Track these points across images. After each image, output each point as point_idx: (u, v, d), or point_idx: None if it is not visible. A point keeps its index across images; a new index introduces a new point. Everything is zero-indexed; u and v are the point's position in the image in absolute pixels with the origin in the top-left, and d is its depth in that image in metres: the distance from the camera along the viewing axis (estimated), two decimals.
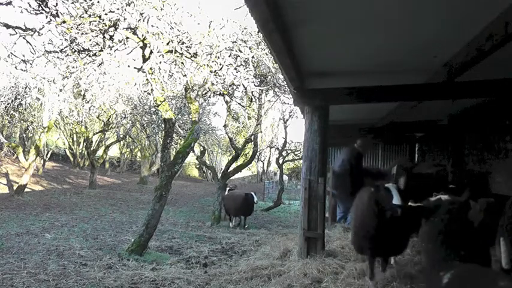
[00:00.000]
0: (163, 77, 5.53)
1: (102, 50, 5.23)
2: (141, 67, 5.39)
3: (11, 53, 5.75)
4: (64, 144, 24.85)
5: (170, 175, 5.91)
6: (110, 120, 15.64)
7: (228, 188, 10.96)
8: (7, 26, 5.49)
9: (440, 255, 2.05)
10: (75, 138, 23.18)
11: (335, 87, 4.30)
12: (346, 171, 5.83)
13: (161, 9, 5.24)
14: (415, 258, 3.89)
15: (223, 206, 10.13)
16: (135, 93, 12.62)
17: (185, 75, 5.84)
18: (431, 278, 1.59)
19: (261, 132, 16.31)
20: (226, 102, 10.98)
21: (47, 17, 5.13)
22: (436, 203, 2.43)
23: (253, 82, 7.72)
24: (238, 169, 12.06)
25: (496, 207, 2.97)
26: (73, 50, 5.47)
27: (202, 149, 15.32)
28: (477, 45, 2.97)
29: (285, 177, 23.76)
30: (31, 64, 5.82)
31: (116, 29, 5.15)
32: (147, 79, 5.40)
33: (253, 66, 7.33)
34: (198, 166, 32.58)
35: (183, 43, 5.47)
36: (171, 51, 5.35)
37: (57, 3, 5.12)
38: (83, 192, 14.69)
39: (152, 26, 5.22)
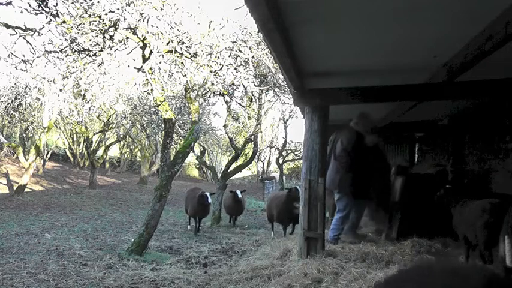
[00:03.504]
0: (163, 77, 5.53)
1: (102, 50, 5.23)
2: (141, 67, 5.39)
3: (11, 53, 5.75)
4: (64, 144, 24.83)
5: (170, 175, 5.91)
6: (110, 120, 15.66)
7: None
8: (7, 26, 5.49)
9: None
10: (75, 138, 23.16)
11: (335, 87, 4.29)
12: (345, 160, 4.77)
13: (161, 9, 5.23)
14: (415, 258, 3.89)
15: (267, 210, 8.10)
16: (135, 93, 12.64)
17: (185, 75, 5.84)
18: None
19: (261, 132, 16.31)
20: (226, 102, 10.99)
21: (47, 17, 5.12)
22: None
23: (253, 82, 7.71)
24: (238, 169, 12.07)
25: (500, 206, 2.98)
26: (73, 50, 5.47)
27: (202, 149, 15.32)
28: (477, 45, 2.97)
29: (277, 175, 23.62)
30: (31, 64, 5.81)
31: (116, 29, 5.15)
32: (147, 79, 5.39)
33: (253, 66, 7.32)
34: (198, 166, 32.55)
35: (183, 43, 5.47)
36: (171, 51, 5.35)
37: (57, 3, 5.11)
38: (83, 192, 14.70)
39: (152, 26, 5.22)
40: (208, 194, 8.31)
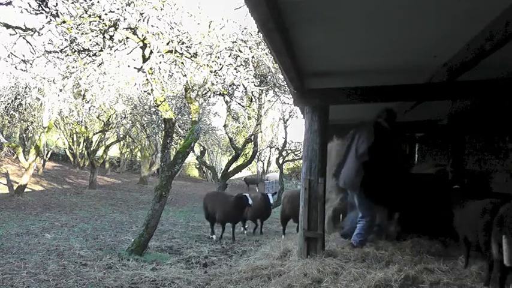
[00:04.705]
0: (163, 77, 5.53)
1: (102, 50, 5.23)
2: (141, 67, 5.39)
3: (11, 53, 5.75)
4: (64, 144, 24.81)
5: (170, 175, 5.91)
6: (110, 120, 15.66)
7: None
8: (7, 26, 5.49)
9: None
10: (75, 138, 23.15)
11: (335, 87, 4.30)
12: (369, 159, 4.33)
13: (161, 9, 5.24)
14: (415, 258, 3.89)
15: (284, 211, 7.40)
16: (135, 93, 12.65)
17: (185, 75, 5.85)
18: None
19: (261, 132, 16.32)
20: (226, 102, 11.01)
21: (47, 17, 5.12)
22: None
23: (253, 82, 7.71)
24: (238, 169, 12.10)
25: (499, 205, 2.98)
26: (73, 50, 5.47)
27: (202, 149, 15.34)
28: (477, 45, 2.97)
29: (276, 175, 23.58)
30: (31, 64, 5.81)
31: (116, 29, 5.15)
32: (147, 79, 5.40)
33: (253, 66, 7.33)
34: (198, 166, 32.55)
35: (183, 43, 5.47)
36: (171, 51, 5.35)
37: (57, 3, 5.12)
38: (83, 192, 14.69)
39: (152, 26, 5.22)
40: (247, 194, 7.28)
